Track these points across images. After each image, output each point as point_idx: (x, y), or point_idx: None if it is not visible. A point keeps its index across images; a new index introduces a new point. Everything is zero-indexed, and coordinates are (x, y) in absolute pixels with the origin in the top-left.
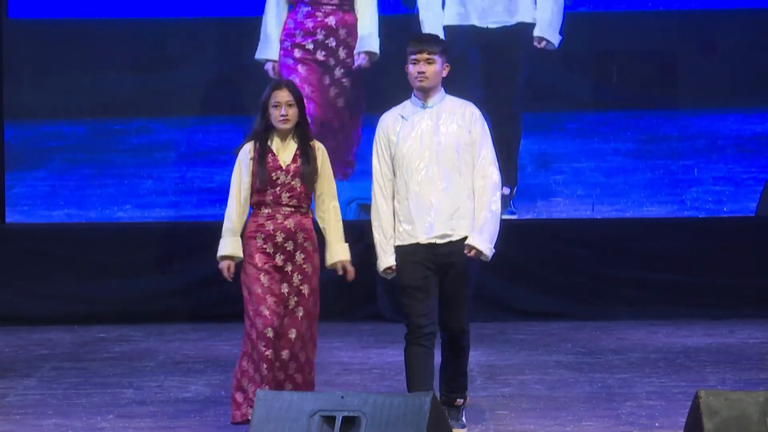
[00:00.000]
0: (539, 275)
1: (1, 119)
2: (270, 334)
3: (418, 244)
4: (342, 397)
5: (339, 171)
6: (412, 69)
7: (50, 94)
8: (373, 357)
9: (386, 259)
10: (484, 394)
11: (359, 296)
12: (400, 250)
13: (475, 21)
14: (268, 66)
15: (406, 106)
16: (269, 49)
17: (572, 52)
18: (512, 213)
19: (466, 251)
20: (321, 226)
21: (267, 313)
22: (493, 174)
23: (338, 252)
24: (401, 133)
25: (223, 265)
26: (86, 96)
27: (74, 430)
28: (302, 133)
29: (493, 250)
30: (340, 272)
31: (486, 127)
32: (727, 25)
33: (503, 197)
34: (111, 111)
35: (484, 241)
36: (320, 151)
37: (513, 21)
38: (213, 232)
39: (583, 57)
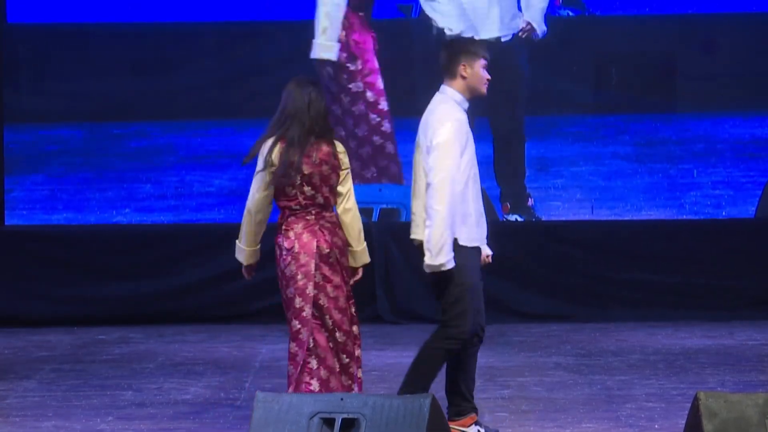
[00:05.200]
0: (538, 277)
1: (0, 123)
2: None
3: (478, 248)
4: (341, 399)
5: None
6: (483, 74)
7: (49, 98)
8: (373, 359)
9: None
10: (483, 396)
11: (358, 298)
12: (467, 251)
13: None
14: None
15: (463, 108)
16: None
17: (571, 56)
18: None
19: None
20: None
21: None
22: None
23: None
24: (470, 135)
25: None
26: (85, 100)
27: None
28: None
29: None
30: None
31: None
32: (726, 29)
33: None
34: (110, 115)
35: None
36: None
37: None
38: (212, 235)
39: (582, 60)
